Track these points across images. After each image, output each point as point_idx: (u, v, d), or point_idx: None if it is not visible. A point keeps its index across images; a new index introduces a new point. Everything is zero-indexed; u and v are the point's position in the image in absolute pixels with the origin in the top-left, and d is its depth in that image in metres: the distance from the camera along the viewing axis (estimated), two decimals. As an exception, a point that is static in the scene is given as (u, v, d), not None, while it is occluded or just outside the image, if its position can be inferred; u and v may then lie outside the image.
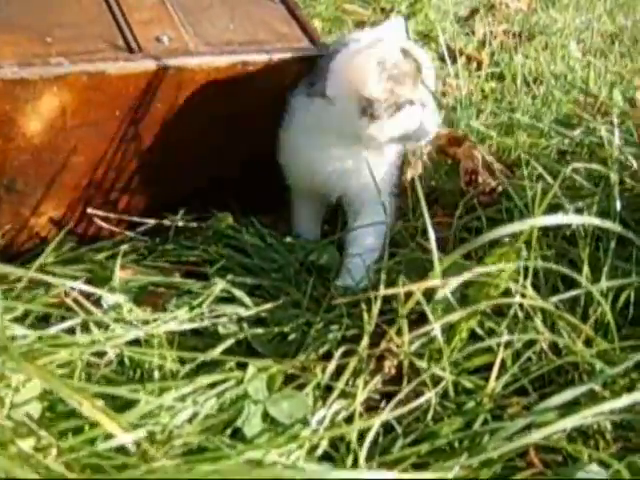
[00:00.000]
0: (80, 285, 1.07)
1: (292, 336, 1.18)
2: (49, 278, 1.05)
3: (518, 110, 1.82)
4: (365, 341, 1.06)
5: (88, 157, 1.34)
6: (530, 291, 1.06)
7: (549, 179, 1.13)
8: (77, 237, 1.44)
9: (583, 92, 1.87)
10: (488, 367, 1.04)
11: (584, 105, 1.78)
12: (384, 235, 1.37)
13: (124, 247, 1.39)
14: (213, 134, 1.40)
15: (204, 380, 0.97)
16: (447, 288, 1.04)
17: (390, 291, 1.05)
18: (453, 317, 1.03)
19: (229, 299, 1.23)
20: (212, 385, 0.99)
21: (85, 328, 1.06)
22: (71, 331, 1.05)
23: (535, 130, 1.61)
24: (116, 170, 1.38)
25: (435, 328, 1.02)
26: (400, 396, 1.01)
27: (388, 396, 1.04)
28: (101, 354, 1.02)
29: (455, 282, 1.03)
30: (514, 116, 1.59)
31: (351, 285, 1.31)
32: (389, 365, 1.07)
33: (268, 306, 1.20)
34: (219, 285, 1.20)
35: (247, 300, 1.21)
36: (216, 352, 1.08)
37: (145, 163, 1.38)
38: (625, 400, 0.90)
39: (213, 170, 1.41)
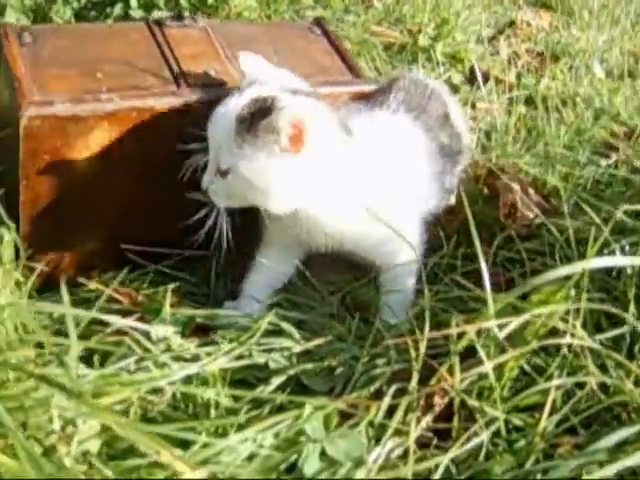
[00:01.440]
0: (134, 323, 1.09)
1: (339, 370, 1.19)
2: (108, 317, 1.06)
3: (551, 140, 1.82)
4: (415, 378, 1.07)
5: (132, 188, 1.35)
6: (579, 331, 1.07)
7: (596, 219, 1.14)
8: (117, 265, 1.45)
9: (614, 120, 1.89)
10: (536, 406, 1.05)
11: (618, 134, 1.79)
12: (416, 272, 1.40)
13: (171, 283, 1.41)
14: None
15: (265, 421, 0.98)
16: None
17: (444, 332, 1.06)
18: (505, 357, 1.04)
19: (275, 332, 1.24)
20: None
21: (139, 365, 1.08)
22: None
23: (569, 160, 1.62)
24: (158, 200, 1.38)
25: (488, 368, 1.03)
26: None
27: (438, 432, 1.06)
28: (157, 391, 1.04)
29: (511, 325, 1.04)
30: (550, 149, 1.60)
31: (392, 322, 1.31)
32: (439, 402, 1.08)
33: (317, 341, 1.20)
34: (268, 318, 1.21)
35: (296, 334, 1.22)
36: (270, 388, 1.10)
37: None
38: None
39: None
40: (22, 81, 1.22)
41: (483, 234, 1.52)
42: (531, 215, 1.47)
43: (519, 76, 2.38)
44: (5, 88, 1.27)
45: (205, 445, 0.93)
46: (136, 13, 2.24)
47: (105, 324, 1.15)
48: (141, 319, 1.23)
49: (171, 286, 1.33)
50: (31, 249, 1.30)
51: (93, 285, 1.37)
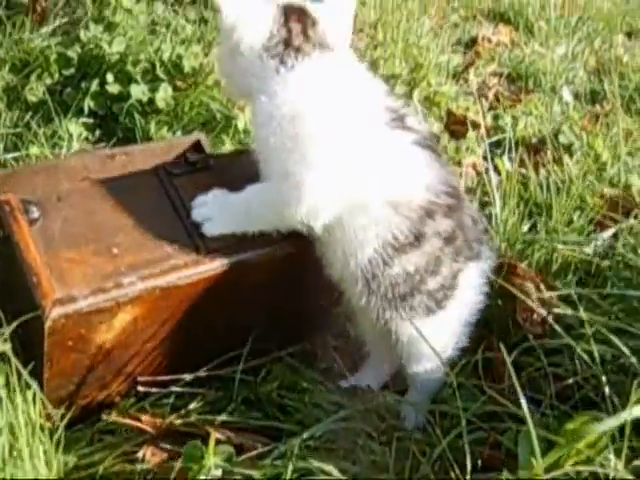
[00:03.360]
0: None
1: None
2: None
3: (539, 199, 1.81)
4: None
5: (155, 345, 1.30)
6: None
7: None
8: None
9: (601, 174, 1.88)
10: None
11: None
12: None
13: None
14: (265, 304, 1.38)
15: None
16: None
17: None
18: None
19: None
20: None
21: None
22: None
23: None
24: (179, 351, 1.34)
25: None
26: None
27: None
28: None
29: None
30: (556, 242, 1.57)
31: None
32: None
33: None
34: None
35: (335, 472, 1.18)
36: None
37: (208, 338, 1.34)
38: None
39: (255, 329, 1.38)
40: (40, 275, 1.13)
41: (501, 328, 1.51)
42: (544, 313, 1.44)
43: (496, 117, 2.33)
44: (17, 274, 1.17)
45: None
46: (113, 88, 2.13)
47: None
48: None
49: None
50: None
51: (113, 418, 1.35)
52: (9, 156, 1.95)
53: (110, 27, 2.23)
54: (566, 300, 1.48)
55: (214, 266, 1.23)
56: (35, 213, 1.21)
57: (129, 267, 1.19)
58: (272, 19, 1.25)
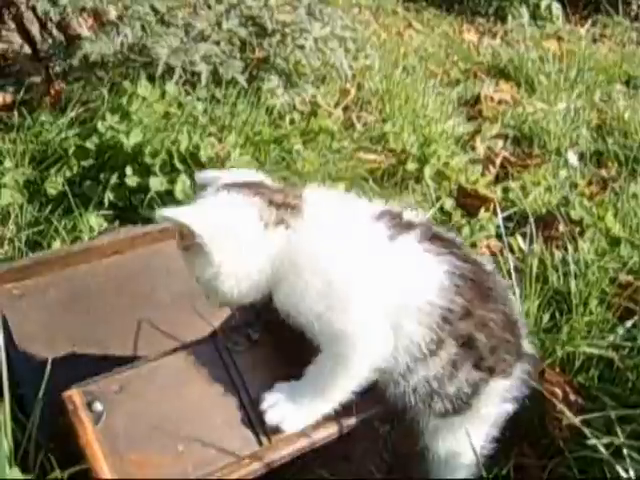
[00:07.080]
0: None
1: None
2: None
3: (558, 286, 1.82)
4: None
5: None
6: None
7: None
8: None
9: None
10: None
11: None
12: None
13: None
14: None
15: None
16: None
17: None
18: None
19: None
20: None
21: None
22: None
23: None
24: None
25: None
26: None
27: None
28: None
29: None
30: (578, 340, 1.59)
31: None
32: None
33: None
34: None
35: None
36: None
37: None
38: None
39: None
40: (107, 486, 1.14)
41: (534, 435, 1.55)
42: (571, 417, 1.47)
43: (505, 189, 2.34)
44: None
45: None
46: (132, 181, 2.10)
47: None
48: None
49: None
50: None
51: None
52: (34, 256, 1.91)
53: (127, 116, 2.19)
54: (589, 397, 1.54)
55: (278, 457, 1.24)
56: (99, 407, 1.20)
57: (195, 467, 1.20)
58: (253, 204, 1.24)
